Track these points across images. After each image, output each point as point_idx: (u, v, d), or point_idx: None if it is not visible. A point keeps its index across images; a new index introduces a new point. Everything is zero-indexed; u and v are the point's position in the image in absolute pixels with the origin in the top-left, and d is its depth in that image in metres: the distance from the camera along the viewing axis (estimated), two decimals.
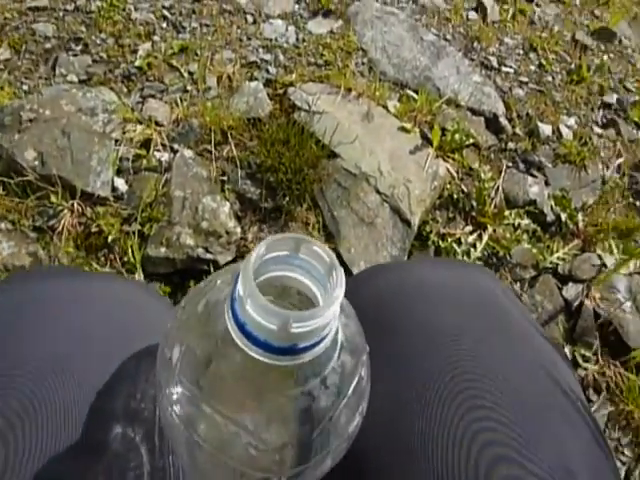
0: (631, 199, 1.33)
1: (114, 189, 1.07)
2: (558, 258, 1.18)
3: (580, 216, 1.25)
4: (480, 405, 0.29)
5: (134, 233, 1.02)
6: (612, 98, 1.50)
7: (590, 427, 0.31)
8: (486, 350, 0.31)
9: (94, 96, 1.15)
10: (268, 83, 1.26)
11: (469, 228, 1.18)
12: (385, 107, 1.27)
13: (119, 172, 1.10)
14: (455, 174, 1.22)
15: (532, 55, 1.55)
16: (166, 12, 1.35)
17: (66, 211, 1.03)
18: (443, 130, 1.25)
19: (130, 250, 1.00)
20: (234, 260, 1.04)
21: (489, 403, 0.29)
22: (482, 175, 1.21)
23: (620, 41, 1.69)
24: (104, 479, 0.27)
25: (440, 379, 0.30)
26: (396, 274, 0.37)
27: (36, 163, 1.05)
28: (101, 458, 0.28)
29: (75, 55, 1.23)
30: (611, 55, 1.64)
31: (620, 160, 1.39)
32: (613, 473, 0.31)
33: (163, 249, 1.02)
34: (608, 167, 1.37)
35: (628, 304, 1.15)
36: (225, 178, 1.11)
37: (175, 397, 0.23)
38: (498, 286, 0.39)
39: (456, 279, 0.36)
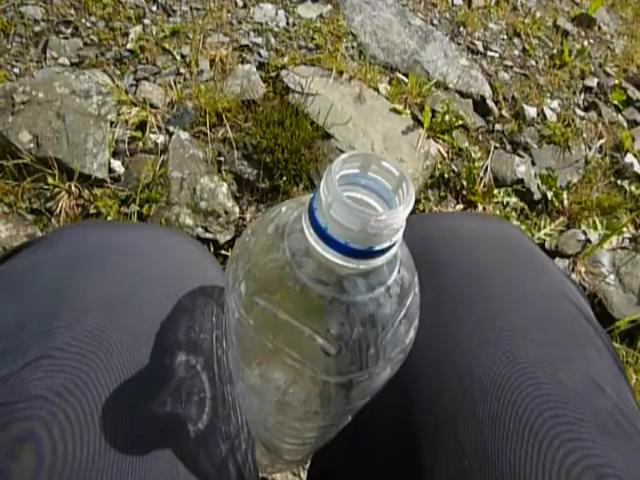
0: (612, 178, 1.38)
1: (111, 171, 1.08)
2: (545, 234, 1.23)
3: (565, 194, 1.30)
4: (515, 327, 0.32)
5: (133, 214, 1.03)
6: (593, 82, 1.55)
7: (611, 352, 0.34)
8: (520, 280, 0.34)
9: (87, 78, 1.15)
10: (261, 66, 1.27)
11: (460, 206, 1.22)
12: (376, 89, 1.29)
13: (115, 154, 1.10)
14: (446, 154, 1.25)
15: (516, 40, 1.59)
16: None
17: (63, 193, 1.03)
18: (433, 112, 1.28)
19: None
20: (233, 239, 1.06)
21: (520, 323, 0.32)
22: (472, 155, 1.25)
23: (599, 27, 1.74)
24: (172, 401, 0.29)
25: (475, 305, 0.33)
26: (446, 221, 0.40)
27: (31, 145, 1.04)
28: (169, 382, 0.30)
29: (66, 38, 1.22)
30: (591, 40, 1.69)
31: (602, 141, 1.44)
32: (633, 397, 0.33)
33: None
34: (590, 148, 1.42)
35: (612, 277, 1.20)
36: (222, 159, 1.12)
37: (246, 304, 0.25)
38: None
39: (494, 229, 0.39)
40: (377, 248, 0.22)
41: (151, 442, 0.29)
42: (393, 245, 0.22)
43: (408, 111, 1.27)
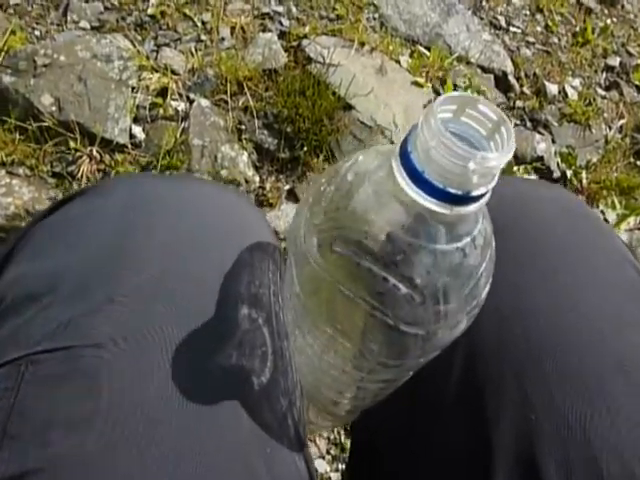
0: (632, 159, 1.37)
1: (132, 136, 1.07)
2: None
3: (584, 173, 1.29)
4: (580, 283, 0.32)
5: None
6: (615, 61, 1.53)
7: None
8: (585, 240, 0.34)
9: (109, 43, 1.13)
10: (282, 35, 1.26)
11: None
12: (398, 62, 1.28)
13: (136, 120, 1.09)
14: None
15: (538, 16, 1.57)
16: None
17: (85, 157, 1.03)
18: (455, 86, 1.27)
19: None
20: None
21: (584, 279, 0.32)
22: None
23: (623, 6, 1.71)
24: (237, 353, 0.30)
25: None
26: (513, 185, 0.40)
27: (53, 109, 1.04)
28: (233, 334, 0.30)
29: (86, 1, 1.20)
30: (614, 19, 1.66)
31: (622, 121, 1.42)
32: None
33: None
34: (611, 127, 1.41)
35: None
36: (242, 128, 1.12)
37: (324, 254, 0.25)
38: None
39: (560, 196, 0.39)
40: (474, 194, 0.21)
41: (216, 393, 0.29)
42: (487, 192, 0.22)
43: (429, 84, 1.25)
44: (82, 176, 1.02)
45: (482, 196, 0.22)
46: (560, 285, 0.32)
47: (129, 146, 1.05)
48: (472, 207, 0.22)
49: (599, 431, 0.27)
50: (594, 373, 0.29)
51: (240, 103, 1.14)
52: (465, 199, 0.22)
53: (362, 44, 1.27)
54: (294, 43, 1.24)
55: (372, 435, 0.39)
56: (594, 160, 1.33)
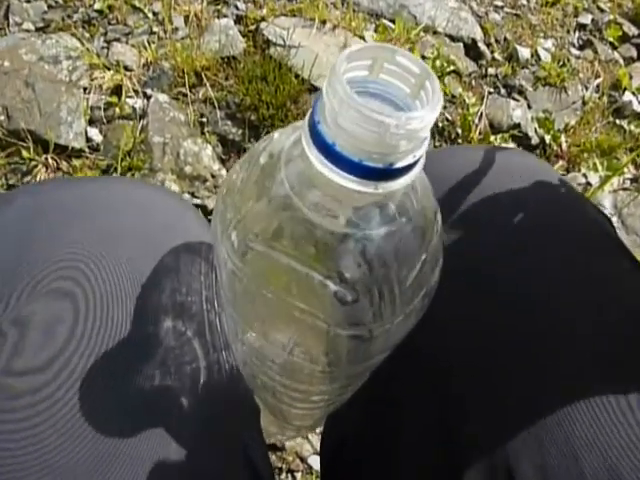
0: (611, 118, 1.34)
1: (88, 140, 1.02)
2: None
3: (563, 137, 1.25)
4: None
5: None
6: (587, 19, 1.49)
7: None
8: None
9: (55, 43, 1.08)
10: (238, 20, 1.20)
11: None
12: (362, 38, 1.23)
13: (92, 122, 1.04)
14: None
15: None
16: None
17: (40, 166, 0.97)
18: (423, 57, 1.22)
19: None
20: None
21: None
22: (466, 101, 1.19)
23: None
24: (160, 373, 0.25)
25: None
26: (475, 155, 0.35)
27: (1, 118, 0.98)
28: (154, 352, 0.26)
29: (28, 1, 1.14)
30: None
31: (598, 80, 1.38)
32: None
33: None
34: (587, 88, 1.37)
35: (615, 219, 1.17)
36: (204, 120, 1.07)
37: (240, 252, 0.21)
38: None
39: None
40: (398, 165, 0.17)
41: (137, 421, 0.25)
42: (417, 162, 0.18)
43: None
44: None
45: (411, 167, 0.18)
46: (529, 267, 0.28)
47: (86, 150, 1.00)
48: (400, 181, 0.18)
49: (578, 427, 0.24)
50: (572, 366, 0.25)
51: (200, 95, 1.09)
52: (389, 172, 0.17)
53: (323, 22, 1.21)
54: (252, 27, 1.19)
55: (341, 435, 0.36)
56: (572, 123, 1.29)
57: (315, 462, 0.90)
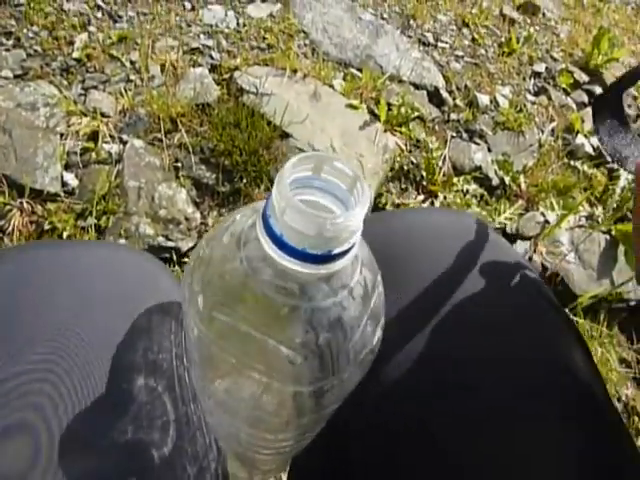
0: (566, 159, 1.42)
1: (64, 184, 1.04)
2: (505, 218, 1.25)
3: (522, 178, 1.33)
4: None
5: (91, 227, 1.00)
6: (541, 67, 1.59)
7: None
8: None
9: (33, 90, 1.11)
10: (213, 69, 1.26)
11: (421, 197, 1.23)
12: (331, 86, 1.29)
13: (68, 167, 1.06)
14: (404, 146, 1.26)
15: (465, 30, 1.62)
16: (100, 1, 1.31)
17: (15, 210, 0.99)
18: (389, 105, 1.29)
19: None
20: (195, 247, 1.04)
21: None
22: (429, 145, 1.26)
23: (544, 14, 1.79)
24: (134, 427, 0.28)
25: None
26: (402, 219, 0.40)
27: None
28: (128, 408, 0.28)
29: (7, 50, 1.18)
30: (537, 27, 1.73)
31: (553, 124, 1.48)
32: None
33: (122, 241, 1.00)
34: (543, 131, 1.45)
35: (572, 255, 1.23)
36: (179, 165, 1.10)
37: (205, 319, 0.24)
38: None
39: (454, 221, 0.39)
40: (336, 251, 0.21)
41: (112, 473, 0.27)
42: (352, 247, 0.22)
43: (364, 106, 1.27)
44: (13, 230, 0.98)
45: (347, 252, 0.22)
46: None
47: (62, 194, 1.03)
48: (339, 263, 0.22)
49: None
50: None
51: (175, 140, 1.13)
52: (329, 257, 0.21)
53: (294, 71, 1.28)
54: (226, 75, 1.24)
55: (304, 474, 0.38)
56: (530, 164, 1.37)
57: None
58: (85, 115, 1.11)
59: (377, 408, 0.31)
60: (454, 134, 1.34)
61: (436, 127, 1.34)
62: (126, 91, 1.16)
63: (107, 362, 0.29)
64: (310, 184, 0.23)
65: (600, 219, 1.34)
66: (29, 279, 0.32)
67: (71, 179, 1.05)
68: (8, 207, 0.99)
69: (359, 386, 0.27)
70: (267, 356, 0.23)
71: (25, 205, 0.99)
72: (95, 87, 1.17)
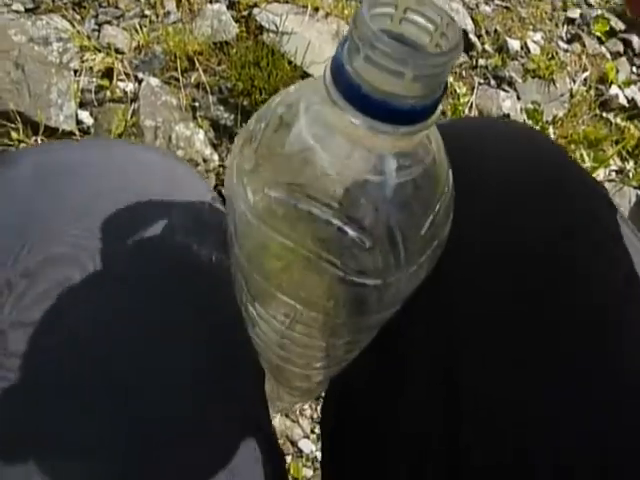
0: (597, 111, 1.36)
1: (79, 122, 1.01)
2: None
3: (551, 128, 1.27)
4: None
5: None
6: (575, 13, 1.51)
7: None
8: None
9: (45, 24, 1.06)
10: (231, 5, 1.20)
11: None
12: None
13: (82, 104, 1.03)
14: None
15: None
16: None
17: None
18: None
19: None
20: (215, 187, 1.01)
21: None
22: (457, 91, 1.20)
23: None
24: None
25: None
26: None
27: None
28: None
29: None
30: None
31: (586, 74, 1.41)
32: None
33: None
34: (575, 81, 1.39)
35: None
36: (196, 105, 1.06)
37: (258, 201, 0.21)
38: None
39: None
40: (420, 104, 0.18)
41: None
42: (437, 104, 0.19)
43: None
44: None
45: (430, 112, 0.19)
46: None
47: (77, 133, 0.99)
48: (419, 126, 0.19)
49: None
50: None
51: (192, 79, 1.09)
52: (410, 114, 0.18)
53: (316, 9, 1.21)
54: (244, 12, 1.18)
55: (342, 396, 0.36)
56: (560, 115, 1.31)
57: (305, 446, 0.91)
58: (99, 51, 1.07)
59: (437, 318, 0.28)
60: (482, 80, 1.28)
61: (463, 72, 1.28)
62: (141, 27, 1.11)
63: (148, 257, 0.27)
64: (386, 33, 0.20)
65: (631, 174, 1.29)
66: (54, 171, 0.29)
67: (86, 117, 1.01)
68: (23, 145, 0.96)
69: (418, 290, 0.24)
70: (330, 240, 0.21)
71: (40, 143, 0.96)
72: (109, 22, 1.12)
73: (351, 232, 0.20)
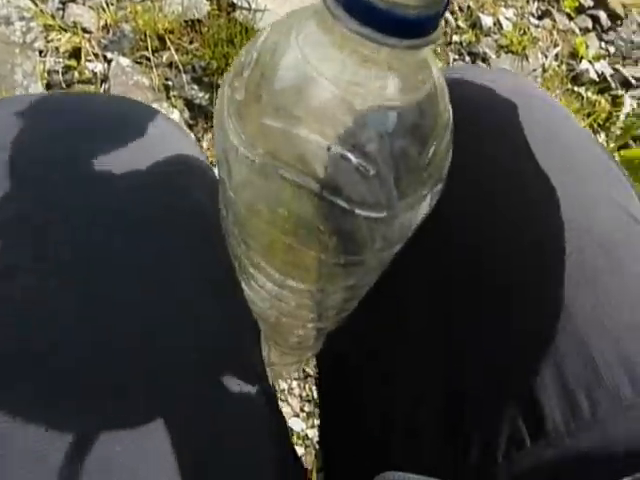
0: (569, 85, 1.37)
1: None
2: None
3: None
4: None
5: None
6: None
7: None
8: None
9: (6, 3, 1.02)
10: None
11: None
12: None
13: (50, 86, 0.99)
14: None
15: None
16: None
17: None
18: None
19: None
20: None
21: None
22: None
23: None
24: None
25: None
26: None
27: None
28: None
29: None
30: None
31: (557, 49, 1.42)
32: None
33: None
34: (547, 56, 1.40)
35: None
36: (170, 84, 1.03)
37: (252, 133, 0.20)
38: None
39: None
40: (424, 14, 0.17)
41: None
42: (440, 17, 0.18)
43: None
44: None
45: (433, 25, 0.18)
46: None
47: None
48: (424, 40, 0.18)
49: (586, 311, 0.24)
50: (575, 250, 0.25)
51: (164, 59, 1.06)
52: (415, 25, 0.17)
53: None
54: None
55: (339, 358, 0.35)
56: None
57: (296, 424, 0.90)
58: (65, 30, 1.03)
59: (436, 268, 0.28)
60: (457, 56, 1.29)
61: (438, 49, 1.28)
62: (108, 5, 1.08)
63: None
64: None
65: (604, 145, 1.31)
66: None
67: None
68: None
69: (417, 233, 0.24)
70: (332, 166, 0.20)
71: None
72: (73, 0, 1.08)
73: (354, 159, 0.19)
